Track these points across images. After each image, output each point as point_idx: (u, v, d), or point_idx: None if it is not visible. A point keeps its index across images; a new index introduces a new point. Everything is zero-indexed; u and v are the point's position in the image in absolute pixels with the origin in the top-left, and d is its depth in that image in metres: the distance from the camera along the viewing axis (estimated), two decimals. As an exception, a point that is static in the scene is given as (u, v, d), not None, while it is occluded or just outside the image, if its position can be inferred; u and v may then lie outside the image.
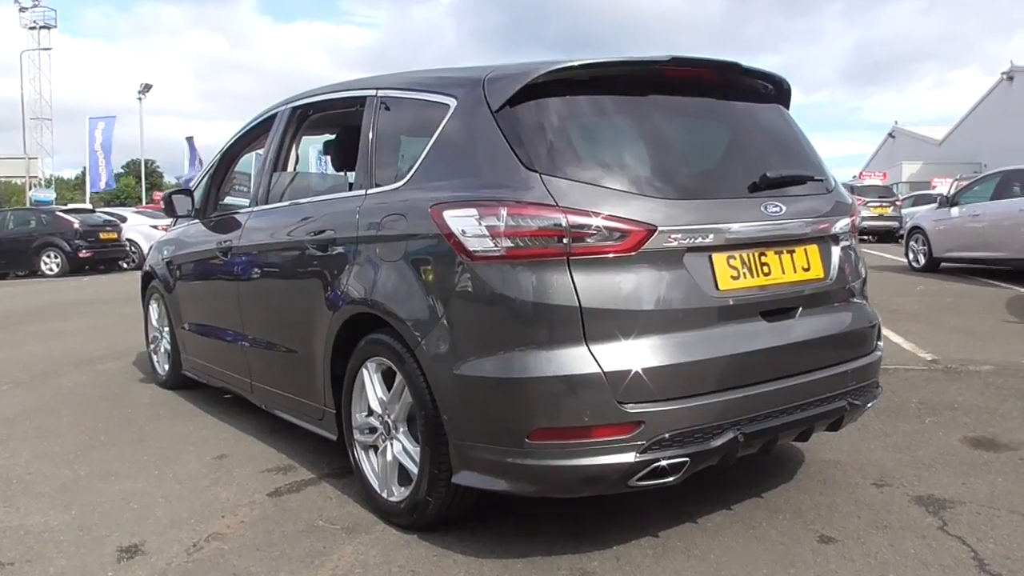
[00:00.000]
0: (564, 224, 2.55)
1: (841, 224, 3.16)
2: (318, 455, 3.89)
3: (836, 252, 3.14)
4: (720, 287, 2.74)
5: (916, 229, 13.59)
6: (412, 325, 2.84)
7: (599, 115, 2.87)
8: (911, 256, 13.72)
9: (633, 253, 2.59)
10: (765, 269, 2.87)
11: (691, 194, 2.78)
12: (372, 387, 3.16)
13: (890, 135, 53.24)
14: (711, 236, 2.72)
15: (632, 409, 2.54)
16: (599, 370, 2.52)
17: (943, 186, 25.15)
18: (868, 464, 3.65)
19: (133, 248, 20.25)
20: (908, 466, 3.64)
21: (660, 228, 2.62)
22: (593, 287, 2.56)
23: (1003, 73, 38.46)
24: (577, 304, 2.54)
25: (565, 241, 2.55)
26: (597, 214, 2.57)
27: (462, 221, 2.70)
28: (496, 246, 2.60)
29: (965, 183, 14.31)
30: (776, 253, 2.92)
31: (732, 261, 2.79)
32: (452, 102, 2.98)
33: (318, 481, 3.60)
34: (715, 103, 3.13)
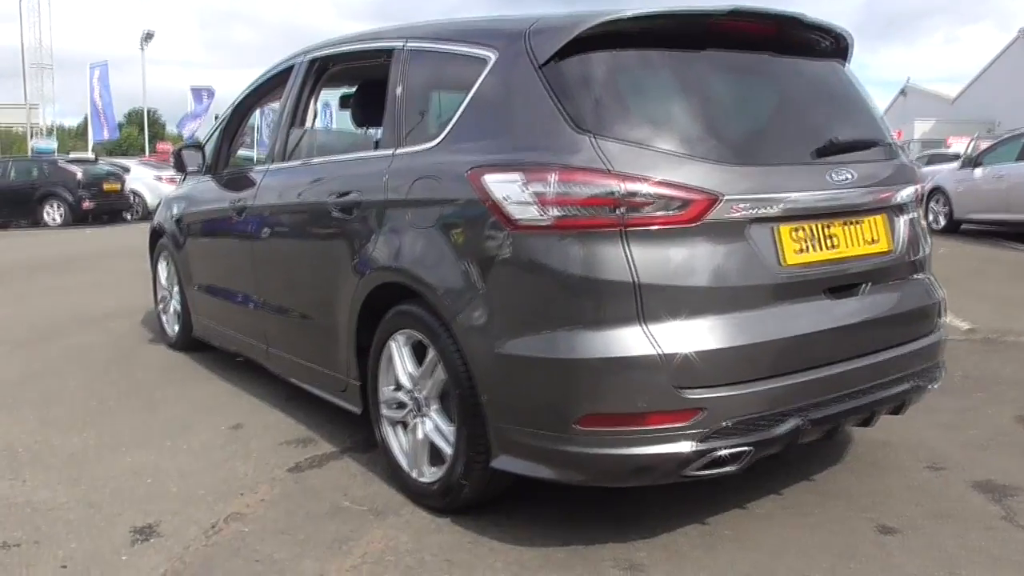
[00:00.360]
0: (619, 192, 2.32)
1: (907, 193, 2.94)
2: (338, 426, 3.70)
3: (902, 223, 2.92)
4: (785, 261, 2.52)
5: (937, 190, 13.29)
6: (448, 298, 2.63)
7: (652, 72, 2.62)
8: (931, 217, 13.43)
9: (694, 224, 2.37)
10: (831, 242, 2.65)
11: (754, 159, 2.55)
12: (401, 361, 2.96)
13: (902, 92, 52.34)
14: (777, 206, 2.49)
15: (691, 395, 2.33)
16: (656, 352, 2.31)
17: (959, 145, 24.70)
18: (919, 445, 3.46)
19: (137, 199, 19.98)
20: (961, 447, 3.45)
21: (724, 196, 2.39)
22: (650, 261, 2.34)
23: (1021, 30, 37.66)
24: (633, 280, 2.32)
25: (620, 211, 2.33)
26: (655, 181, 2.34)
27: (505, 186, 2.47)
28: (543, 215, 2.38)
29: (986, 143, 13.97)
30: (842, 224, 2.69)
31: (797, 233, 2.57)
32: (491, 55, 2.73)
33: (340, 455, 3.42)
34: (774, 59, 2.87)
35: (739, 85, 2.78)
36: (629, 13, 2.54)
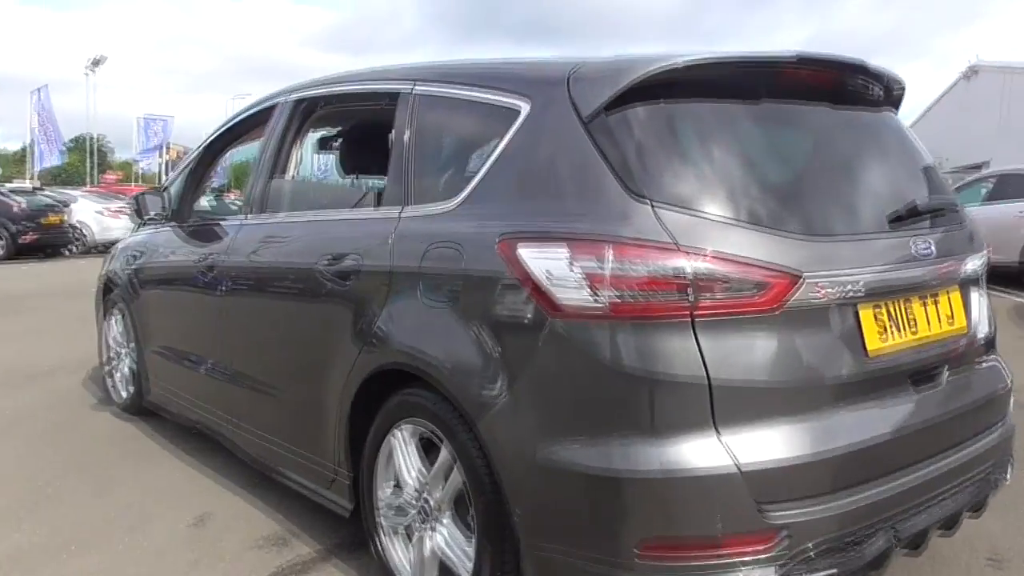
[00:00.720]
0: (689, 271, 1.94)
1: (977, 262, 2.61)
2: (318, 517, 3.21)
3: (975, 297, 2.60)
4: (869, 349, 2.16)
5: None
6: (471, 390, 2.21)
7: (714, 128, 2.24)
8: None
9: (773, 309, 2.00)
10: (912, 323, 2.30)
11: (833, 230, 2.19)
12: (404, 457, 2.53)
13: (849, 129, 53.20)
14: (861, 285, 2.14)
15: (774, 514, 1.95)
16: (734, 464, 1.92)
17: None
18: (974, 533, 3.11)
19: (80, 233, 19.12)
20: (1019, 535, 3.13)
21: (806, 276, 2.03)
22: (724, 355, 1.96)
23: (965, 69, 38.58)
24: (705, 378, 1.94)
25: (690, 294, 1.95)
26: (729, 259, 1.97)
27: (545, 261, 2.08)
28: (596, 298, 1.98)
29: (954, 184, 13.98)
30: (921, 302, 2.35)
31: (880, 315, 2.21)
32: (524, 105, 2.33)
33: (326, 558, 2.94)
34: (836, 112, 2.53)
35: (805, 142, 2.43)
36: (685, 59, 2.17)
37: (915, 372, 2.29)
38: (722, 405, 1.95)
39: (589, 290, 1.99)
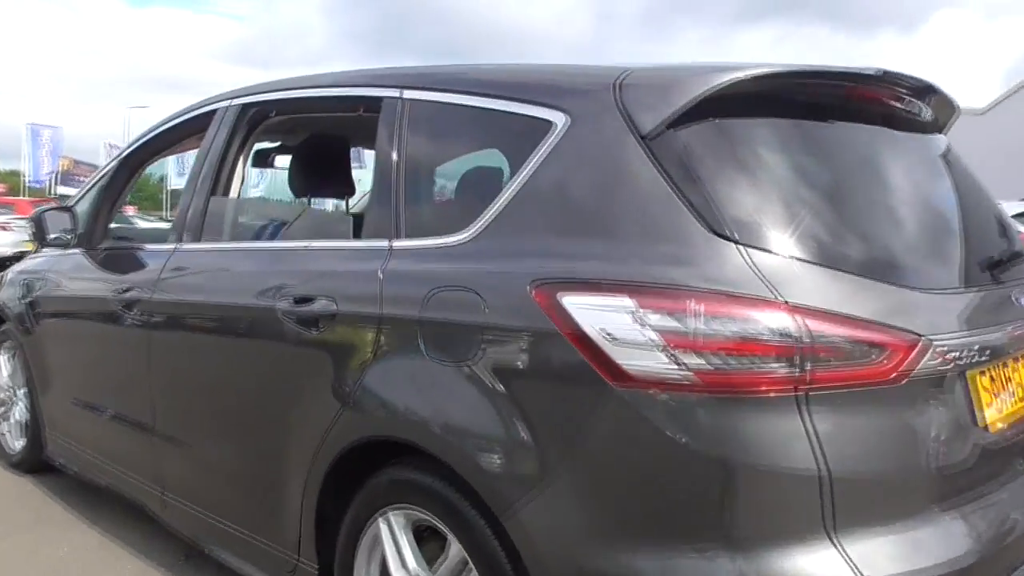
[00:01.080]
0: (798, 334, 1.52)
1: None
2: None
3: (1054, 352, 2.27)
4: (984, 423, 1.79)
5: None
6: (499, 476, 1.74)
7: (801, 153, 1.85)
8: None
9: (895, 381, 1.60)
10: (1016, 389, 1.95)
11: (942, 282, 1.83)
12: (394, 550, 2.03)
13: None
14: (979, 346, 1.76)
15: None
16: None
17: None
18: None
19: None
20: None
21: (932, 340, 1.64)
22: (840, 440, 1.55)
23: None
24: (820, 469, 1.52)
25: (798, 362, 1.52)
26: (846, 319, 1.56)
27: (601, 315, 1.63)
28: (676, 365, 1.54)
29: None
30: (1015, 363, 2.00)
31: (987, 381, 1.85)
32: (559, 118, 1.87)
33: (280, 665, 2.40)
34: (913, 138, 2.18)
35: (892, 173, 2.03)
36: (766, 69, 1.78)
37: (1021, 448, 1.94)
38: (840, 502, 1.53)
39: (665, 354, 1.55)
